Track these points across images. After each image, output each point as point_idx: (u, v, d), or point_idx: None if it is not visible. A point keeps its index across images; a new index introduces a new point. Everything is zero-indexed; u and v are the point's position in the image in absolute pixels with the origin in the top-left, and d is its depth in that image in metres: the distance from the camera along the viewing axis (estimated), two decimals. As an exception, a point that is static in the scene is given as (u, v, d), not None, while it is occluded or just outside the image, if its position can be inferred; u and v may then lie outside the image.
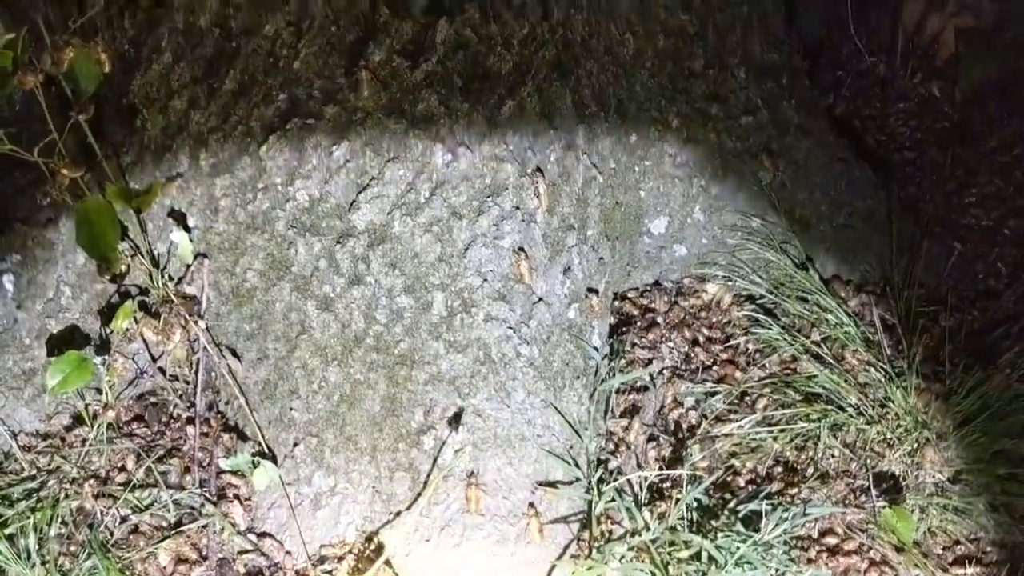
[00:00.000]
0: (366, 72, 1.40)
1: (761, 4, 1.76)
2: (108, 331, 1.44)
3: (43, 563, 1.35)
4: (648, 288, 1.79)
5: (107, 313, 1.41)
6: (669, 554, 1.38)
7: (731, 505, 1.47)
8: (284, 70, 1.40)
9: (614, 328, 1.69)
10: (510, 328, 1.45)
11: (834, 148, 1.82)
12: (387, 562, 1.34)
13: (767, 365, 1.67)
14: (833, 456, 1.55)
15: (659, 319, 1.75)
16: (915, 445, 1.53)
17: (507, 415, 1.42)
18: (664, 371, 1.66)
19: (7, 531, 1.36)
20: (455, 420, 1.38)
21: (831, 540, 1.47)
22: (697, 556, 1.37)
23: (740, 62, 1.71)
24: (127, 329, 1.33)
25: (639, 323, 1.73)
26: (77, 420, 1.55)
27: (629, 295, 1.76)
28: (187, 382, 1.56)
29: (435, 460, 1.38)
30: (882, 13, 2.20)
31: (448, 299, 1.44)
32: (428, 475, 1.38)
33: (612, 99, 1.58)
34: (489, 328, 1.44)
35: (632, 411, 1.61)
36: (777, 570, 1.38)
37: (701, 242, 1.76)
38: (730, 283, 1.77)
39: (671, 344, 1.71)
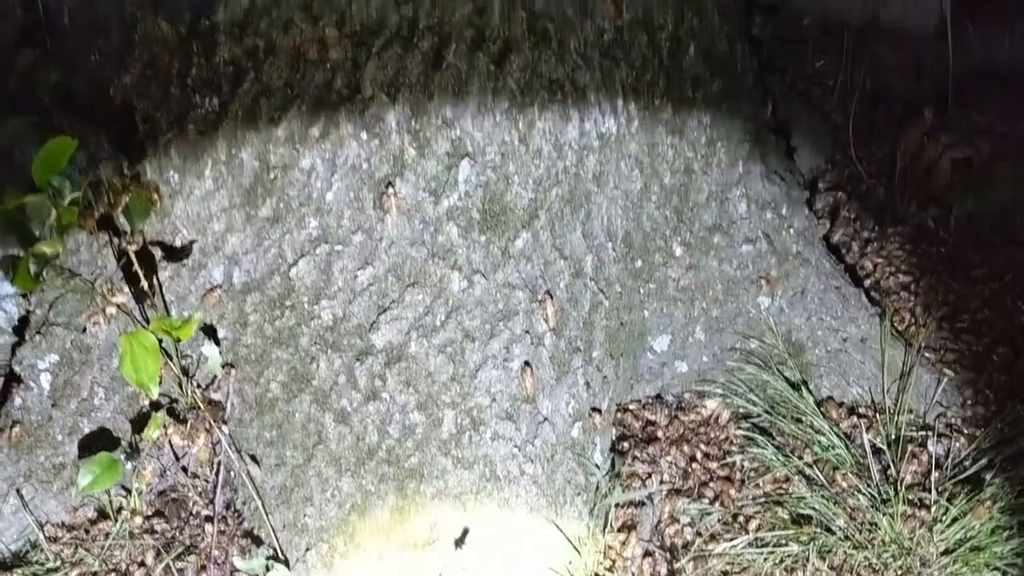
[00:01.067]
0: (393, 204, 1.52)
1: (763, 141, 1.88)
2: (138, 438, 1.54)
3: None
4: (650, 401, 1.88)
5: (137, 421, 1.52)
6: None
7: (721, 626, 1.54)
8: (317, 200, 1.52)
9: (616, 440, 1.78)
10: (516, 447, 1.55)
11: (830, 276, 1.92)
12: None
13: (761, 484, 1.75)
14: (821, 580, 1.62)
15: (659, 433, 1.84)
16: (899, 572, 1.60)
17: (509, 532, 1.51)
18: (662, 486, 1.74)
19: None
20: (461, 539, 1.47)
21: (816, 665, 1.53)
22: None
23: (742, 194, 1.83)
24: (156, 437, 1.43)
25: (640, 436, 1.82)
26: (101, 514, 1.64)
27: (631, 407, 1.86)
28: (207, 481, 1.65)
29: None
30: (882, 140, 2.33)
31: (458, 417, 1.54)
32: (432, 589, 1.47)
33: (620, 230, 1.70)
34: (496, 446, 1.54)
35: (630, 526, 1.69)
36: None
37: (702, 360, 1.86)
38: (728, 400, 1.86)
39: (670, 459, 1.80)
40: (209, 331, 1.54)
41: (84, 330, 1.57)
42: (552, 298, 1.61)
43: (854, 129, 2.39)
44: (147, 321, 1.41)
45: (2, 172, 1.58)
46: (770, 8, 2.34)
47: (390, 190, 1.51)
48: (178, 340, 1.30)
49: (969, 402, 1.91)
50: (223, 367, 1.56)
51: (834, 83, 2.48)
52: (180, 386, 1.54)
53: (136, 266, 1.29)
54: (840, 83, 2.46)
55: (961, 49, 2.46)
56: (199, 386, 1.59)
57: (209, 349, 1.49)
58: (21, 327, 1.67)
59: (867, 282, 2.11)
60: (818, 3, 2.36)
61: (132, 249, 1.28)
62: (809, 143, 2.31)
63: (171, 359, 1.52)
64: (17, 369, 1.62)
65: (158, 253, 1.45)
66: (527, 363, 1.59)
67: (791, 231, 1.89)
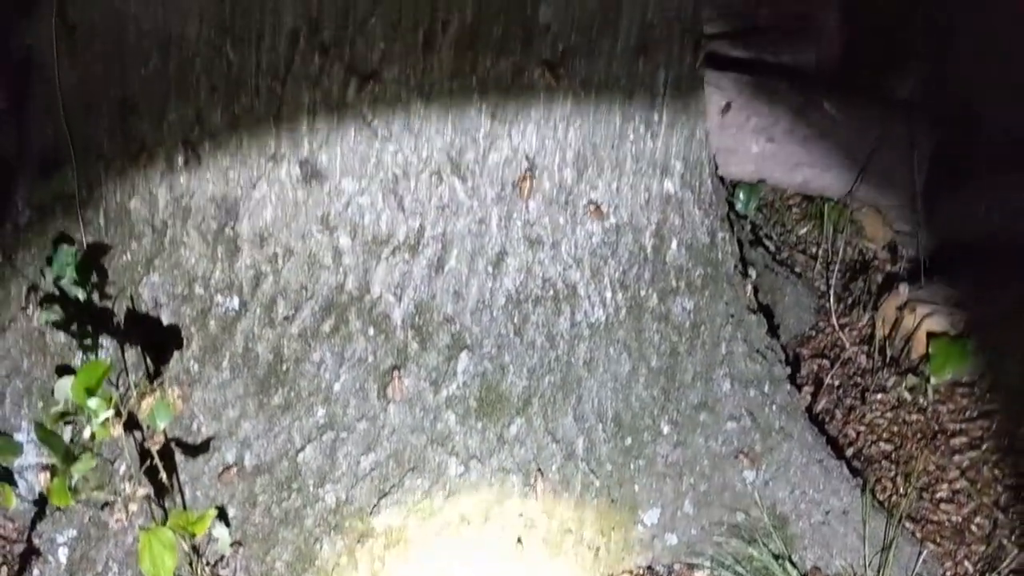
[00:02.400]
0: (397, 389, 1.65)
1: (744, 321, 2.02)
2: (149, 617, 1.63)
3: None
4: (641, 572, 1.96)
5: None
6: None
7: None
8: (325, 390, 1.65)
9: (607, 612, 1.86)
10: (509, 628, 1.63)
11: (813, 449, 2.03)
12: None
13: (749, 657, 1.82)
14: None
15: (649, 604, 1.92)
16: None
17: None
18: (652, 659, 1.81)
19: None
20: None
21: None
22: None
23: (726, 374, 1.96)
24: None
25: (631, 608, 1.89)
26: None
27: (622, 579, 1.94)
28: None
29: None
30: (863, 309, 2.47)
31: (454, 598, 1.62)
32: None
33: (610, 411, 1.82)
34: (490, 628, 1.62)
35: None
36: None
37: (691, 532, 1.94)
38: (716, 573, 1.94)
39: (659, 632, 1.87)
40: (221, 514, 1.65)
41: (103, 506, 1.67)
42: (544, 480, 1.72)
43: (837, 296, 2.53)
44: (165, 513, 1.52)
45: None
46: (752, 185, 2.52)
47: (395, 380, 1.64)
48: (193, 536, 1.41)
49: (948, 574, 1.99)
50: (231, 545, 1.66)
51: (816, 251, 2.64)
52: (191, 564, 1.64)
53: (157, 462, 1.41)
54: (823, 251, 2.63)
55: (936, 221, 2.63)
56: (208, 563, 1.68)
57: (220, 531, 1.59)
58: (42, 499, 1.78)
59: (850, 451, 2.21)
60: (799, 176, 2.54)
61: (154, 449, 1.40)
62: (793, 311, 2.45)
63: (184, 539, 1.62)
64: (36, 542, 1.72)
65: (178, 450, 1.57)
66: (519, 540, 1.69)
67: (774, 407, 2.01)
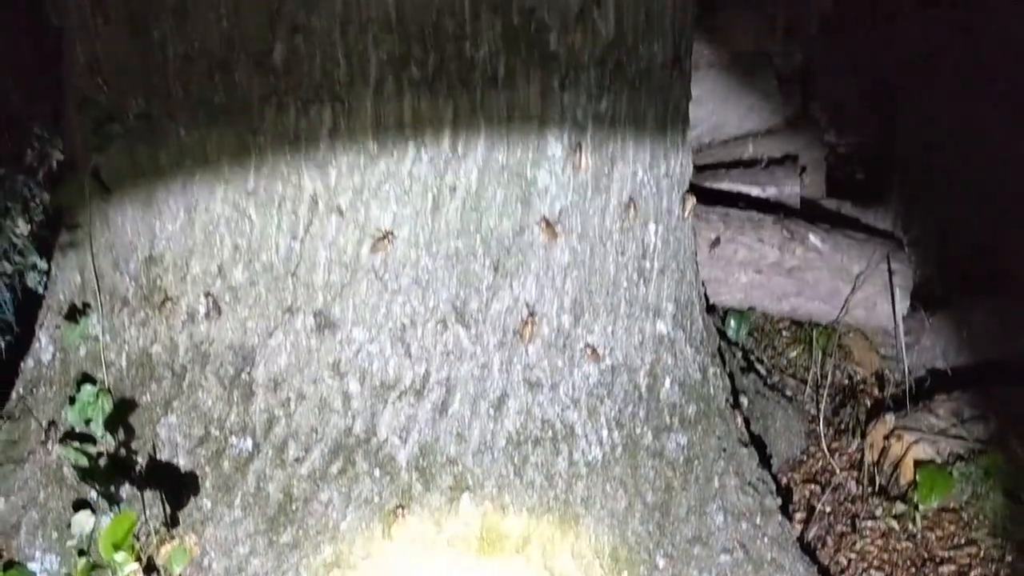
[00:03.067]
0: (400, 525, 1.73)
1: (736, 455, 2.11)
2: None
3: None
4: None
5: None
6: None
7: None
8: (332, 529, 1.73)
9: None
10: None
11: (804, 580, 2.10)
12: None
13: None
14: None
15: None
16: None
17: None
18: None
19: None
20: None
21: None
22: None
23: (719, 507, 2.04)
24: None
25: None
26: None
27: None
28: None
29: None
30: (852, 434, 2.56)
31: None
32: None
33: (607, 546, 1.89)
34: None
35: None
36: None
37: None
38: None
39: None
40: (228, 651, 1.71)
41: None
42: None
43: (826, 421, 2.63)
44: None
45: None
46: (742, 312, 2.65)
47: (399, 519, 1.72)
48: None
49: None
50: None
51: (806, 375, 2.75)
52: None
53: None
54: (812, 375, 2.73)
55: (920, 347, 2.75)
56: None
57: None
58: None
59: (843, 578, 2.27)
60: (786, 305, 2.66)
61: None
62: (784, 436, 2.54)
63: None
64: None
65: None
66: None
67: (766, 539, 2.08)
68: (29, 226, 2.52)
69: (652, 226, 1.91)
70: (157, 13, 1.59)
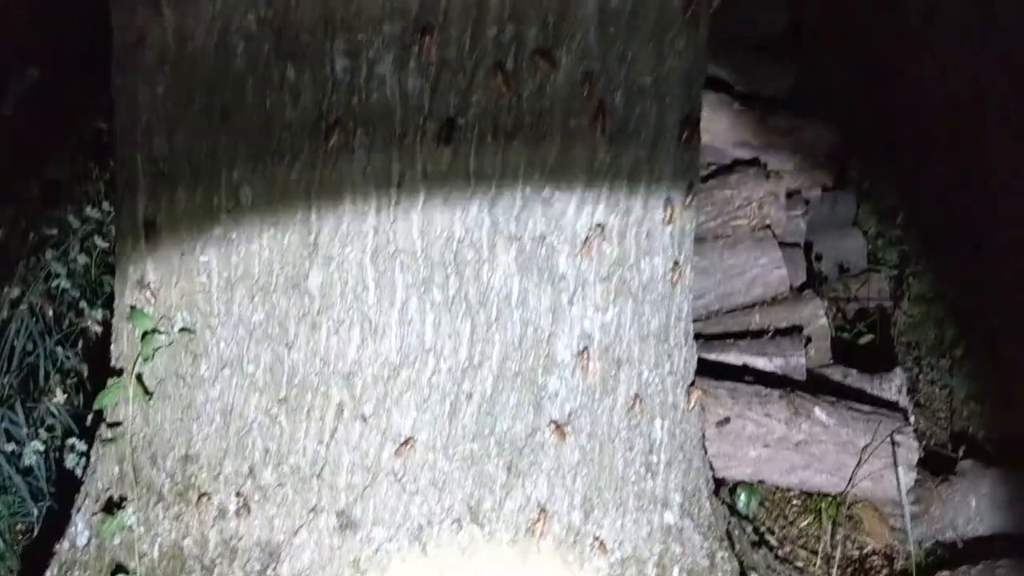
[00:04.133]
0: None
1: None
2: None
3: None
4: None
5: None
6: None
7: None
8: None
9: None
10: None
11: None
12: None
13: None
14: None
15: None
16: None
17: None
18: None
19: None
20: None
21: None
22: None
23: None
24: None
25: None
26: None
27: None
28: None
29: None
30: (862, 611, 2.62)
31: None
32: None
33: None
34: None
35: None
36: None
37: None
38: None
39: None
40: None
41: None
42: None
43: (838, 596, 2.69)
44: None
45: None
46: (752, 485, 2.75)
47: None
48: None
49: None
50: None
51: (817, 545, 2.82)
52: None
53: None
54: (823, 547, 2.81)
55: (929, 518, 2.83)
56: None
57: None
58: None
59: None
60: (794, 478, 2.77)
61: None
62: (796, 612, 2.61)
63: None
64: None
65: None
66: None
67: None
68: (66, 395, 2.71)
69: (658, 421, 2.05)
70: (204, 240, 1.79)
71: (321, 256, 1.74)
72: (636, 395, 2.00)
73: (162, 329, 1.87)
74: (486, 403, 1.85)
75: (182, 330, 1.86)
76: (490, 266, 1.78)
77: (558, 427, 1.91)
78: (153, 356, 1.87)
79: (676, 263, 2.04)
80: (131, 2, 1.75)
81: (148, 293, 1.90)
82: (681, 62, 1.86)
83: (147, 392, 1.91)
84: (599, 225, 1.84)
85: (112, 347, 2.03)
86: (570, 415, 1.92)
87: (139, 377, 1.91)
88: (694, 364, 2.21)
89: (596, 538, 1.98)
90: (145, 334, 1.88)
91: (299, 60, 1.65)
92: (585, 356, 1.90)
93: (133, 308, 1.91)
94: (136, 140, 1.82)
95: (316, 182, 1.71)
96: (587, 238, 1.83)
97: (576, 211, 1.81)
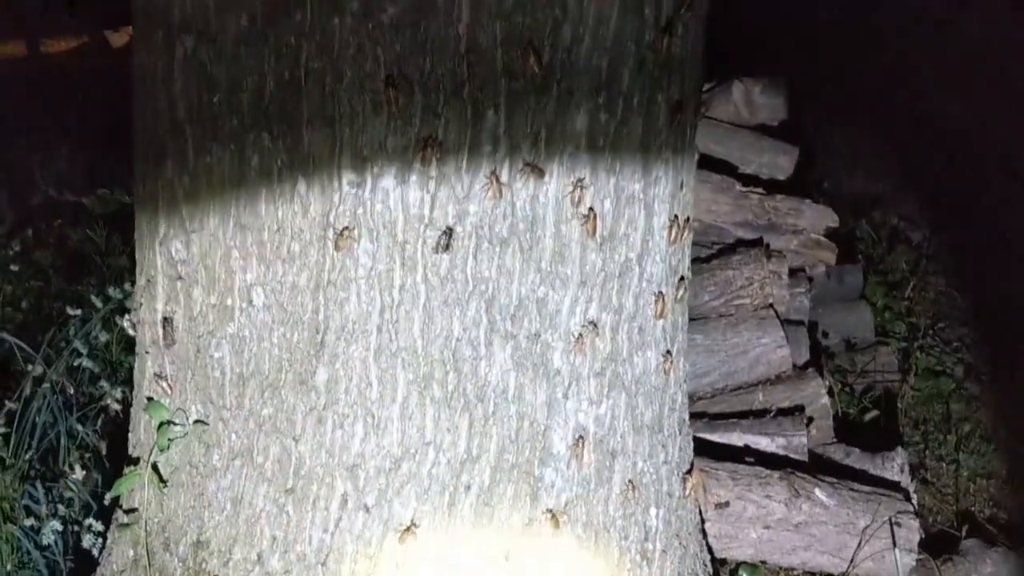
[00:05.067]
0: None
1: None
2: None
3: None
4: None
5: None
6: None
7: None
8: None
9: None
10: None
11: None
12: None
13: None
14: None
15: None
16: None
17: None
18: None
19: None
20: None
21: None
22: None
23: None
24: None
25: None
26: None
27: None
28: None
29: None
30: None
31: None
32: None
33: None
34: None
35: None
36: None
37: None
38: None
39: None
40: None
41: None
42: None
43: None
44: None
45: None
46: (754, 565, 2.82)
47: None
48: None
49: None
50: None
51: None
52: None
53: None
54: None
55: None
56: None
57: None
58: None
59: None
60: (796, 558, 2.83)
61: None
62: None
63: None
64: None
65: None
66: None
67: None
68: (85, 471, 2.83)
69: (653, 510, 2.14)
70: (219, 338, 1.93)
71: (327, 354, 1.87)
72: (631, 484, 2.09)
73: (177, 421, 2.00)
74: (484, 494, 1.95)
75: (196, 422, 1.98)
76: (487, 363, 1.90)
77: (554, 516, 2.00)
78: (168, 446, 1.99)
79: (668, 352, 2.15)
80: (155, 121, 1.91)
81: (165, 385, 2.03)
82: (669, 168, 1.99)
83: (162, 480, 2.03)
84: (592, 322, 1.95)
85: (130, 435, 2.16)
86: (566, 505, 2.01)
87: (154, 466, 2.03)
88: (690, 452, 2.31)
89: (592, 625, 2.06)
90: (161, 425, 2.00)
91: (309, 174, 1.79)
92: (580, 447, 2.00)
93: (150, 400, 2.04)
94: (155, 247, 1.96)
95: (324, 285, 1.84)
96: (580, 335, 1.95)
97: (570, 310, 1.93)
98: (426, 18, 1.70)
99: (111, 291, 3.21)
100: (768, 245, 3.35)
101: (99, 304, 3.17)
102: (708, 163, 3.50)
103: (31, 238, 4.47)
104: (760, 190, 3.39)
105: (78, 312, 3.17)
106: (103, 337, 3.25)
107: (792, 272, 3.50)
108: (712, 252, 3.36)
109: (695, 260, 3.27)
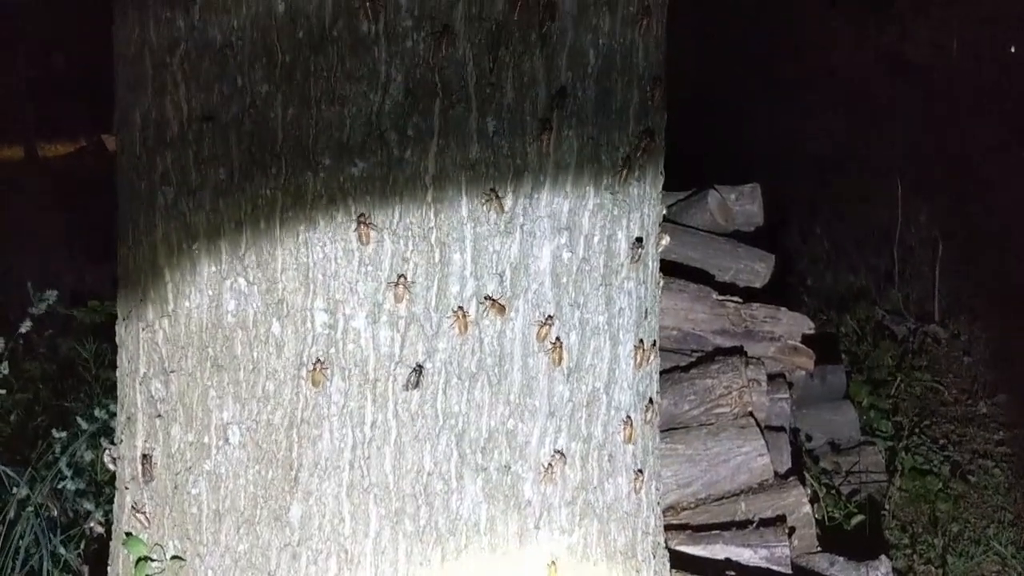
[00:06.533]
0: None
1: None
2: None
3: None
4: None
5: None
6: None
7: None
8: None
9: None
10: None
11: None
12: None
13: None
14: None
15: None
16: None
17: None
18: None
19: None
20: None
21: None
22: None
23: None
24: None
25: None
26: None
27: None
28: None
29: None
30: None
31: None
32: None
33: None
34: None
35: None
36: None
37: None
38: None
39: None
40: None
41: None
42: None
43: None
44: None
45: None
46: None
47: None
48: None
49: None
50: None
51: None
52: None
53: None
54: None
55: None
56: None
57: None
58: None
59: None
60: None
61: None
62: None
63: None
64: None
65: None
66: None
67: None
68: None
69: (628, 637, 2.17)
70: (196, 474, 1.99)
71: (301, 491, 1.93)
72: (606, 610, 2.12)
73: (155, 556, 2.04)
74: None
75: (173, 558, 2.03)
76: (458, 496, 1.96)
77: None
78: (146, 584, 2.04)
79: (640, 471, 2.20)
80: (137, 265, 2.02)
81: (144, 518, 2.08)
82: (632, 299, 2.08)
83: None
84: (560, 452, 2.02)
85: (108, 568, 2.20)
86: None
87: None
88: (665, 574, 2.34)
89: None
90: (139, 560, 2.05)
91: (283, 317, 1.88)
92: (552, 573, 2.04)
93: (128, 535, 2.09)
94: (136, 385, 2.04)
95: (297, 423, 1.91)
96: (550, 464, 2.01)
97: (539, 441, 2.00)
98: (394, 172, 1.82)
99: (97, 412, 3.27)
100: (746, 353, 3.42)
101: (85, 425, 3.23)
102: (685, 271, 3.61)
103: (21, 348, 4.54)
104: (736, 299, 3.49)
105: (63, 435, 3.22)
106: (88, 456, 3.30)
107: (772, 377, 3.57)
108: (691, 360, 3.43)
109: (674, 369, 3.35)
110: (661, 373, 2.77)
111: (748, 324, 3.49)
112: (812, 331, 3.55)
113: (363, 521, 1.93)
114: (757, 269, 3.74)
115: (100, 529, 3.06)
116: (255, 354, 1.91)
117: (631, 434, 2.14)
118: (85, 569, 3.01)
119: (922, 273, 5.55)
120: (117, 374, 2.13)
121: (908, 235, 5.40)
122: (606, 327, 2.04)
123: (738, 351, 3.46)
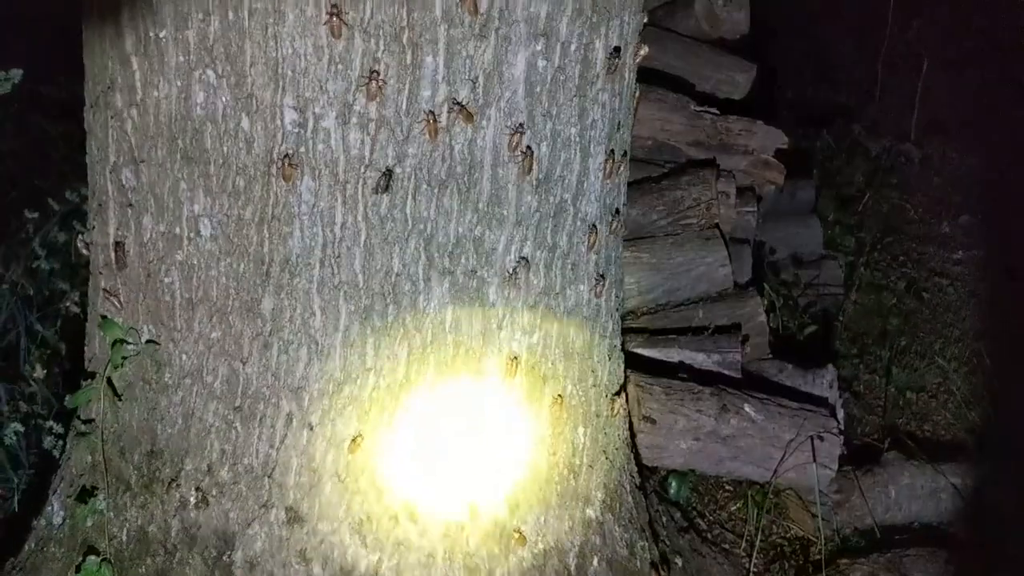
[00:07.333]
0: None
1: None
2: None
3: None
4: None
5: None
6: None
7: None
8: None
9: None
10: None
11: None
12: None
13: None
14: None
15: None
16: None
17: None
18: None
19: None
20: None
21: None
22: None
23: (638, 670, 2.43)
24: None
25: None
26: None
27: None
28: None
29: None
30: (776, 592, 2.95)
31: None
32: None
33: None
34: None
35: None
36: None
37: None
38: None
39: None
40: None
41: None
42: None
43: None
44: None
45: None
46: (683, 473, 3.06)
47: None
48: None
49: None
50: None
51: (745, 529, 3.14)
52: None
53: None
54: (747, 532, 3.12)
55: (850, 505, 3.14)
56: None
57: None
58: None
59: None
60: (723, 468, 3.06)
61: None
62: (718, 592, 2.93)
63: None
64: None
65: None
66: None
67: None
68: (45, 371, 2.98)
69: (581, 429, 2.33)
70: (168, 264, 2.04)
71: (273, 285, 1.99)
72: (559, 401, 2.26)
73: (130, 340, 2.13)
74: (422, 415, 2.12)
75: (148, 342, 2.12)
76: (425, 296, 2.04)
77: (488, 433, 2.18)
78: (122, 364, 2.13)
79: (602, 277, 2.28)
80: (103, 52, 1.97)
81: (117, 302, 2.15)
82: (606, 111, 2.08)
83: (117, 394, 2.18)
84: (525, 259, 2.09)
85: (85, 348, 2.29)
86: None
87: (109, 380, 2.18)
88: (620, 375, 2.48)
89: (520, 532, 2.27)
90: (115, 343, 2.14)
91: (252, 112, 1.87)
92: (513, 368, 2.16)
93: (104, 318, 2.17)
94: (106, 173, 2.05)
95: (268, 220, 1.95)
96: (515, 270, 2.08)
97: (505, 248, 2.06)
98: (365, -36, 1.76)
99: (68, 194, 3.28)
100: (718, 166, 3.46)
101: (56, 207, 3.25)
102: (665, 78, 3.57)
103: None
104: (714, 111, 3.48)
105: (35, 215, 3.25)
106: (61, 238, 3.34)
107: (742, 191, 3.62)
108: (663, 171, 3.47)
109: (646, 180, 3.39)
110: (632, 183, 2.81)
111: (723, 137, 3.51)
112: (786, 146, 3.56)
113: (333, 316, 2.01)
114: (737, 80, 3.70)
115: (76, 309, 3.14)
116: (225, 148, 1.92)
117: (595, 243, 2.20)
118: (62, 346, 3.12)
119: (904, 91, 5.52)
120: (87, 160, 2.14)
121: (895, 53, 5.32)
122: (577, 139, 2.06)
123: (711, 163, 3.49)
